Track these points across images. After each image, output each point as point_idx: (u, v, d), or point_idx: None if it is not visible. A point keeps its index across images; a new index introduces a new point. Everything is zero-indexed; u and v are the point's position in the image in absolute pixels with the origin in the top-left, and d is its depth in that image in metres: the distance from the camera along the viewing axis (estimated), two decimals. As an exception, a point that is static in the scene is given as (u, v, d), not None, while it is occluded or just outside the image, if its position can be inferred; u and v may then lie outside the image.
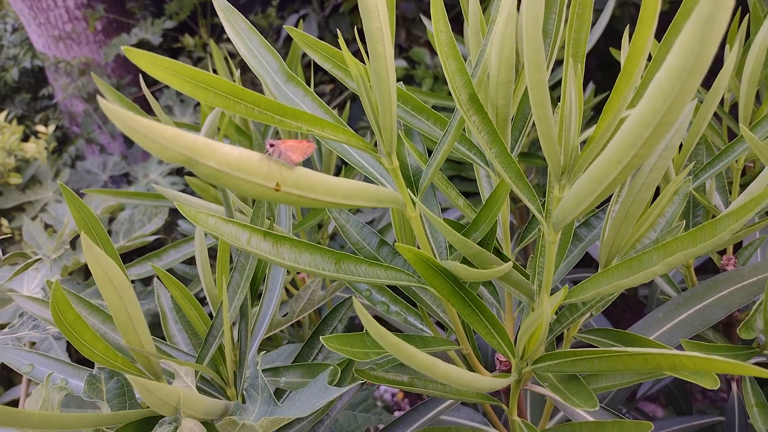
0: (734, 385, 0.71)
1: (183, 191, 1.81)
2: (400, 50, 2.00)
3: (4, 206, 1.99)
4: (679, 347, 0.62)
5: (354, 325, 1.35)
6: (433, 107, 1.07)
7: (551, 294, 0.51)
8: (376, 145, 0.62)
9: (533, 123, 0.57)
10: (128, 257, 1.86)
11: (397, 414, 1.70)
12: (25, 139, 2.40)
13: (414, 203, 0.49)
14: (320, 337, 0.42)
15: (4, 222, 1.96)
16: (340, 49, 0.50)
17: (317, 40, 0.54)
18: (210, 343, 0.51)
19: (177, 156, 0.31)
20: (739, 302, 0.62)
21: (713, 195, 0.67)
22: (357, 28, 0.52)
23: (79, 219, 0.46)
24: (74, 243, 1.12)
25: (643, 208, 0.51)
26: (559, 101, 0.45)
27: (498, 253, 0.57)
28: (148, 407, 0.54)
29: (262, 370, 0.55)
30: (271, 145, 0.35)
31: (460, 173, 1.20)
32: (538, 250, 0.53)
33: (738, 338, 0.71)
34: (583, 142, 0.45)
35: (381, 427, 0.92)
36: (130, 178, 2.35)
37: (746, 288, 0.62)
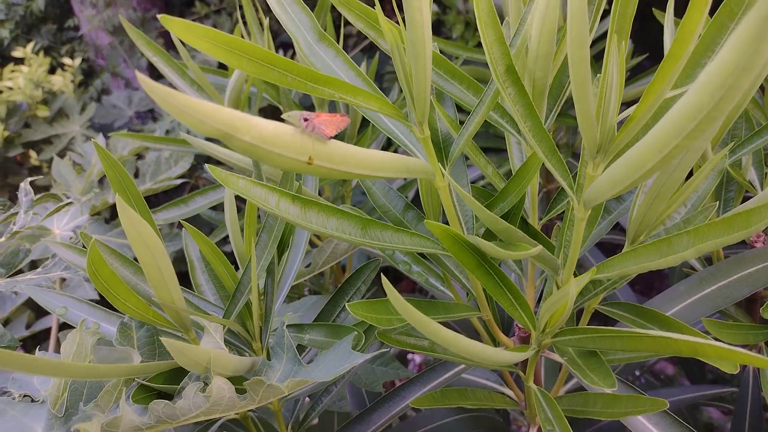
0: (750, 359, 0.71)
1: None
2: (432, -7, 1.94)
3: (33, 138, 2.02)
4: (700, 323, 0.62)
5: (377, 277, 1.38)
6: (465, 61, 1.05)
7: (576, 265, 0.51)
8: (404, 100, 0.60)
9: (569, 90, 0.55)
10: (155, 198, 1.89)
11: (410, 357, 1.75)
12: (52, 71, 2.41)
13: (443, 174, 0.49)
14: (345, 303, 0.43)
15: (33, 154, 1.99)
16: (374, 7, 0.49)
17: (351, -2, 0.53)
18: (237, 299, 0.52)
19: (213, 131, 0.31)
20: (766, 281, 0.61)
21: (749, 170, 0.65)
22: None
23: (113, 177, 0.47)
24: (102, 182, 1.13)
25: (676, 187, 0.50)
26: (601, 60, 0.43)
27: (524, 222, 0.57)
28: (176, 355, 0.56)
29: (287, 326, 0.57)
30: (306, 120, 0.35)
31: (487, 129, 1.18)
32: (566, 224, 0.52)
33: (759, 316, 0.71)
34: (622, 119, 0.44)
35: (398, 382, 0.95)
36: (155, 115, 2.36)
37: (774, 267, 0.62)
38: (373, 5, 0.55)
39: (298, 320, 0.77)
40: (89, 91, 2.47)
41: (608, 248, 1.62)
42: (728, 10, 0.41)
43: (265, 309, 0.55)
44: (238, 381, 0.48)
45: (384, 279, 0.34)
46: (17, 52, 2.13)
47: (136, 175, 1.14)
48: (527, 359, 0.57)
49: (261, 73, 0.39)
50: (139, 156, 1.49)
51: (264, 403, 0.43)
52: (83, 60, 2.61)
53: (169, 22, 0.33)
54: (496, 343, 0.62)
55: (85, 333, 0.57)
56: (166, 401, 0.41)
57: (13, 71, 2.11)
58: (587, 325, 0.60)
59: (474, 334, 0.72)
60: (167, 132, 2.15)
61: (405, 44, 0.43)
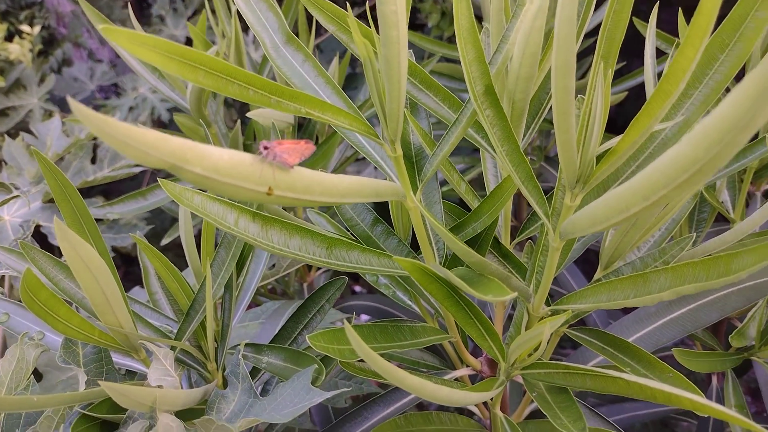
0: (714, 380, 0.71)
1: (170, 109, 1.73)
2: (410, -22, 1.89)
3: (-13, 110, 1.92)
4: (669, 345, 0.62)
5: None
6: (442, 59, 1.02)
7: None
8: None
9: (549, 107, 0.53)
10: (114, 186, 1.81)
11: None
12: (9, 38, 2.28)
13: (414, 192, 0.47)
14: (306, 336, 0.41)
15: (-14, 127, 1.89)
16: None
17: None
18: (192, 318, 0.49)
19: (159, 162, 0.28)
20: (735, 306, 0.60)
21: (722, 192, 0.64)
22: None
23: (54, 186, 0.43)
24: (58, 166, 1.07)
25: (654, 216, 0.48)
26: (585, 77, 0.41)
27: (496, 242, 0.54)
28: (125, 372, 0.53)
29: (245, 344, 0.54)
30: (266, 148, 0.32)
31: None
32: (539, 248, 0.50)
33: (725, 335, 0.71)
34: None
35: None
36: (119, 90, 2.27)
37: (743, 292, 0.61)
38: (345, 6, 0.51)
39: (258, 327, 0.74)
40: (49, 62, 2.36)
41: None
42: (720, 42, 0.39)
43: (222, 326, 0.52)
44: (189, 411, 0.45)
45: (346, 324, 0.31)
46: (-29, 18, 2.01)
47: (93, 161, 1.09)
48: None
49: (219, 86, 0.36)
50: (97, 147, 1.42)
51: (215, 438, 0.41)
52: (43, 28, 2.49)
53: (113, 33, 0.29)
54: (462, 362, 0.60)
55: (27, 346, 0.53)
56: (107, 439, 0.38)
57: (-34, 38, 2.00)
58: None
59: (440, 351, 0.70)
60: (131, 109, 2.07)
61: (378, 57, 0.40)
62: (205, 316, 0.49)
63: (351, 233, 0.55)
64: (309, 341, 0.40)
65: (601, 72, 0.38)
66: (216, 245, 0.53)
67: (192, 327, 0.49)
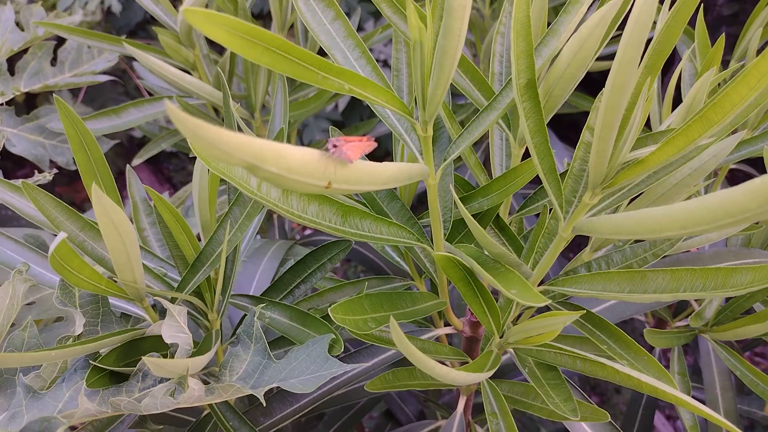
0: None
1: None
2: None
3: None
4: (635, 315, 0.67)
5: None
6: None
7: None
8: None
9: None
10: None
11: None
12: None
13: (435, 171, 0.47)
14: (305, 275, 0.42)
15: None
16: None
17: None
18: (197, 269, 0.49)
19: (240, 162, 0.27)
20: (696, 289, 0.66)
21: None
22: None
23: (72, 134, 0.40)
24: (12, 69, 0.99)
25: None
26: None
27: (497, 218, 0.56)
28: (120, 315, 0.53)
29: (243, 295, 0.55)
30: (334, 146, 0.32)
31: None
32: (541, 229, 0.53)
33: (673, 308, 0.78)
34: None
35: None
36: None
37: (704, 275, 0.66)
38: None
39: (241, 265, 0.74)
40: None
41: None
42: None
43: (224, 278, 0.52)
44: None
45: (393, 325, 0.33)
46: None
47: (53, 63, 1.01)
48: (479, 351, 0.59)
49: (275, 63, 0.34)
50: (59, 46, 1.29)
51: (230, 398, 0.42)
52: None
53: (192, 14, 0.27)
54: (444, 322, 0.63)
55: (16, 280, 0.52)
56: (129, 399, 0.38)
57: None
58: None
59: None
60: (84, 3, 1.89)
61: (431, 44, 0.39)
62: (213, 271, 0.49)
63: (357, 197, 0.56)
64: (331, 314, 0.42)
65: (647, 86, 0.39)
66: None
67: (198, 279, 0.49)
